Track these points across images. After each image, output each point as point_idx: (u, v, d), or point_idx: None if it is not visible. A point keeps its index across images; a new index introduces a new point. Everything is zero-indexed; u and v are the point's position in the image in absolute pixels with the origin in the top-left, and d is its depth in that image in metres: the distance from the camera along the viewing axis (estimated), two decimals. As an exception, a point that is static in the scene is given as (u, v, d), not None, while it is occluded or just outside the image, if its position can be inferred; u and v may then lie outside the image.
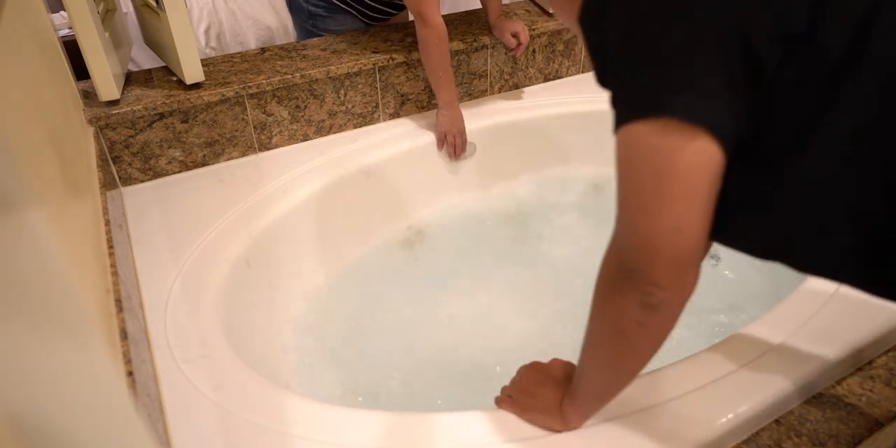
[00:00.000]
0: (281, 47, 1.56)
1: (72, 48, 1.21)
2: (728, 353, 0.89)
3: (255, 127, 1.42)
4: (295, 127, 1.47)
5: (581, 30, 0.61)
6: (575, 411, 0.77)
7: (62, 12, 1.95)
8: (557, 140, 1.73)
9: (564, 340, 1.21)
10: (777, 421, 0.84)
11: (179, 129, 1.33)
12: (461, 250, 1.53)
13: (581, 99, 1.71)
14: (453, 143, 1.56)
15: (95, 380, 0.33)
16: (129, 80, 1.39)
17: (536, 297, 1.40)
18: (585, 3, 0.60)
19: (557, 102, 1.72)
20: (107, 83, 1.24)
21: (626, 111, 0.55)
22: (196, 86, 1.34)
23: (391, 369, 1.22)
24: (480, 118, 1.63)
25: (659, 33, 0.53)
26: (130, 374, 0.74)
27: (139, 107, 1.27)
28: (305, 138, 1.50)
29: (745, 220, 0.60)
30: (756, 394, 0.83)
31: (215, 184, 1.34)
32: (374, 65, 1.49)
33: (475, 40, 1.61)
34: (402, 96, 1.59)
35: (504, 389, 0.86)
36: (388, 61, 1.50)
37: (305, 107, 1.46)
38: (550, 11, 1.78)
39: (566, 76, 1.85)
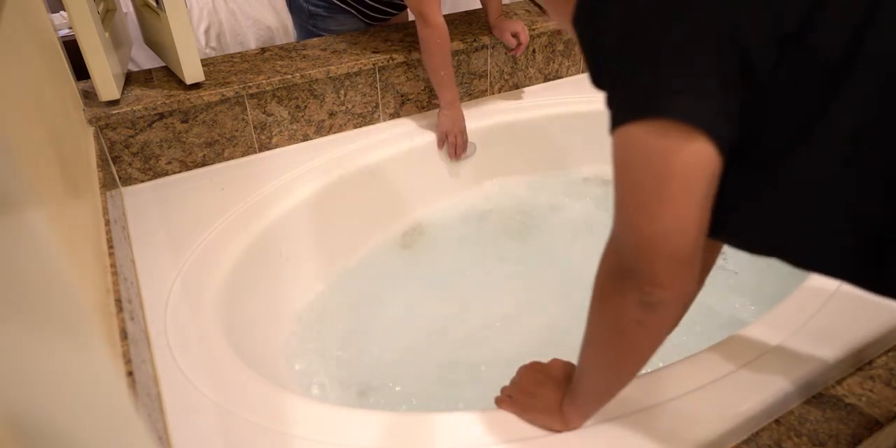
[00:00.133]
0: (281, 47, 1.56)
1: (72, 48, 1.21)
2: (728, 353, 0.89)
3: (255, 127, 1.42)
4: (295, 127, 1.47)
5: (575, 30, 0.61)
6: (575, 411, 0.77)
7: (62, 12, 1.95)
8: (557, 140, 1.73)
9: (565, 340, 1.21)
10: (777, 421, 0.84)
11: (179, 129, 1.33)
12: (461, 250, 1.53)
13: (581, 99, 1.71)
14: (454, 143, 1.56)
15: (95, 380, 0.33)
16: (129, 80, 1.39)
17: (536, 296, 1.39)
18: (580, 2, 0.60)
19: (557, 102, 1.72)
20: (107, 83, 1.24)
21: (623, 112, 0.55)
22: (196, 86, 1.34)
23: (391, 369, 1.22)
24: (480, 118, 1.63)
25: (659, 33, 0.53)
26: (130, 374, 0.74)
27: (139, 107, 1.27)
28: (305, 138, 1.50)
29: (741, 220, 0.60)
30: (756, 394, 0.83)
31: (215, 184, 1.34)
32: (374, 65, 1.49)
33: (475, 40, 1.61)
34: (402, 96, 1.59)
35: (504, 389, 0.86)
36: (388, 61, 1.50)
37: (305, 107, 1.46)
38: (550, 11, 1.78)
39: (566, 76, 1.85)
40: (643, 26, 0.54)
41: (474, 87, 1.69)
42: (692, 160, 0.52)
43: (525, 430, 0.80)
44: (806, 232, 0.59)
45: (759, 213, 0.60)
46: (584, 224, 1.60)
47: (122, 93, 1.32)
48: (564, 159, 1.76)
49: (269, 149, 1.46)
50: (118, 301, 0.83)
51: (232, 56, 1.51)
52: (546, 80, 1.82)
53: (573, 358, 0.77)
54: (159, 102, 1.28)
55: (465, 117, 1.56)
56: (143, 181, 1.35)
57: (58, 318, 0.30)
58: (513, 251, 1.54)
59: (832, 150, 0.54)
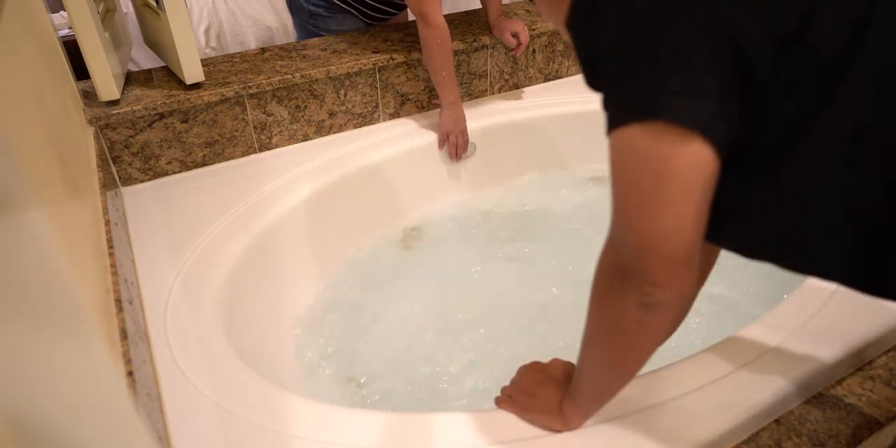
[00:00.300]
0: (281, 47, 1.56)
1: (72, 48, 1.21)
2: (728, 353, 0.89)
3: (255, 127, 1.42)
4: (295, 127, 1.47)
5: (570, 31, 0.61)
6: (575, 411, 0.77)
7: (62, 12, 1.95)
8: (557, 140, 1.73)
9: (565, 340, 1.21)
10: (777, 421, 0.84)
11: (179, 129, 1.33)
12: (461, 250, 1.53)
13: (581, 99, 1.71)
14: (455, 143, 1.56)
15: (95, 380, 0.33)
16: (129, 80, 1.39)
17: (536, 296, 1.39)
18: (574, 2, 0.60)
19: (557, 102, 1.72)
20: (107, 83, 1.24)
21: (620, 114, 0.55)
22: (196, 86, 1.34)
23: (391, 369, 1.22)
24: (480, 118, 1.63)
25: (657, 34, 0.52)
26: (130, 374, 0.74)
27: (139, 107, 1.27)
28: (305, 138, 1.50)
29: (738, 221, 0.60)
30: (756, 394, 0.82)
31: (215, 184, 1.34)
32: (374, 65, 1.49)
33: (475, 40, 1.61)
34: (402, 96, 1.59)
35: (504, 389, 0.86)
36: (388, 61, 1.50)
37: (305, 107, 1.46)
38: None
39: (566, 76, 1.85)
40: (641, 27, 0.53)
41: (474, 87, 1.69)
42: (690, 162, 0.52)
43: (525, 430, 0.80)
44: (805, 232, 0.59)
45: (758, 213, 0.60)
46: (584, 224, 1.60)
47: (122, 93, 1.32)
48: (564, 159, 1.76)
49: (269, 149, 1.46)
50: (118, 301, 0.83)
51: (232, 56, 1.51)
52: (546, 80, 1.82)
53: (573, 358, 0.77)
54: (159, 102, 1.28)
55: (466, 117, 1.56)
56: (143, 181, 1.35)
57: (58, 318, 0.30)
58: (513, 251, 1.54)
59: (832, 150, 0.54)
